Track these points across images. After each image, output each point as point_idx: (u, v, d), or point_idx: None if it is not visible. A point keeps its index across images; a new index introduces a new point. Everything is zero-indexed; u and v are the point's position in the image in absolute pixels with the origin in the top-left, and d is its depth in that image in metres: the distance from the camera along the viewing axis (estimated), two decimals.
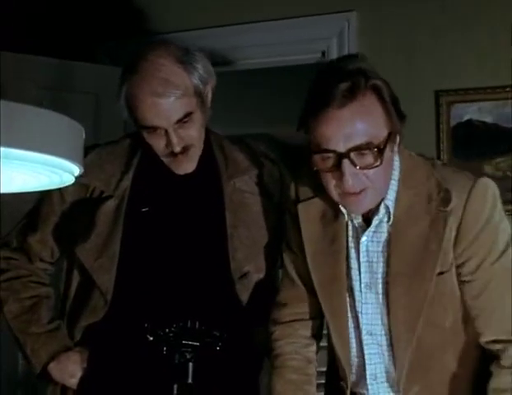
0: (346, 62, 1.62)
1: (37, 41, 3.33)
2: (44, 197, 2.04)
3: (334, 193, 1.63)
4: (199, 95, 1.89)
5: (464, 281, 1.67)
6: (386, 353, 1.73)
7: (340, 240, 1.73)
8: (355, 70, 1.57)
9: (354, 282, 1.73)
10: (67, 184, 1.10)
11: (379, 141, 1.55)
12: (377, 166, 1.55)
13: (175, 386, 1.64)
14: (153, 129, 1.87)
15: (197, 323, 1.69)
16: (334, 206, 1.73)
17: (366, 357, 1.75)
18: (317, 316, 1.84)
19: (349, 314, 1.75)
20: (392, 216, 1.66)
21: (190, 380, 1.64)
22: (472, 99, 2.91)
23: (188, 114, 1.86)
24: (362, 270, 1.71)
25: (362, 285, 1.72)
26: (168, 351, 1.65)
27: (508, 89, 2.87)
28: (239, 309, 1.95)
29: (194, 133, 1.91)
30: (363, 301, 1.72)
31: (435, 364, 1.73)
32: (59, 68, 3.24)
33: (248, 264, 1.96)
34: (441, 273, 1.65)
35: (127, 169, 2.01)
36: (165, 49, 1.89)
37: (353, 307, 1.74)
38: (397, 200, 1.67)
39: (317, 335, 1.89)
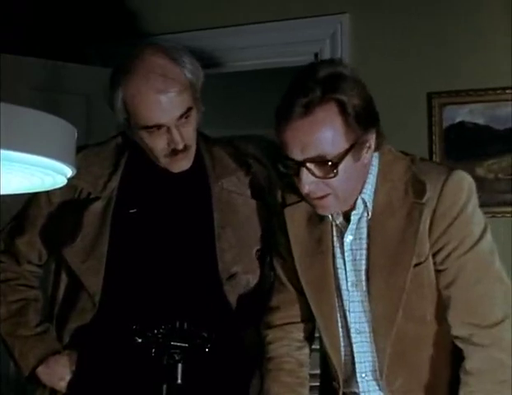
0: (320, 67, 1.65)
1: (28, 42, 3.32)
2: (31, 199, 2.02)
3: (304, 195, 1.70)
4: (194, 89, 1.90)
5: (438, 270, 1.70)
6: (374, 350, 1.75)
7: (326, 241, 1.77)
8: (320, 79, 1.60)
9: (341, 281, 1.76)
10: (59, 186, 1.09)
11: (332, 156, 1.59)
12: (332, 178, 1.61)
13: (164, 387, 1.64)
14: (156, 128, 1.86)
15: (185, 324, 1.69)
16: None
17: (356, 355, 1.77)
18: (309, 319, 1.86)
19: (338, 314, 1.77)
20: (370, 211, 1.71)
21: (179, 381, 1.63)
22: (464, 101, 2.92)
23: (189, 109, 1.87)
24: (348, 269, 1.75)
25: (349, 284, 1.75)
26: (157, 353, 1.65)
27: (500, 91, 2.88)
28: (227, 310, 1.95)
29: (192, 131, 1.92)
30: (350, 300, 1.75)
31: (418, 356, 1.75)
32: (51, 69, 3.23)
33: (236, 265, 1.96)
34: (418, 264, 1.68)
35: (114, 170, 2.00)
36: (156, 48, 1.91)
37: (341, 306, 1.77)
38: (375, 194, 1.71)
39: (309, 337, 1.90)
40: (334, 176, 1.60)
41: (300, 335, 1.88)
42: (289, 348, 1.85)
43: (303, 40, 3.14)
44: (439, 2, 2.99)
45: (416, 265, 1.68)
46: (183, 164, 1.94)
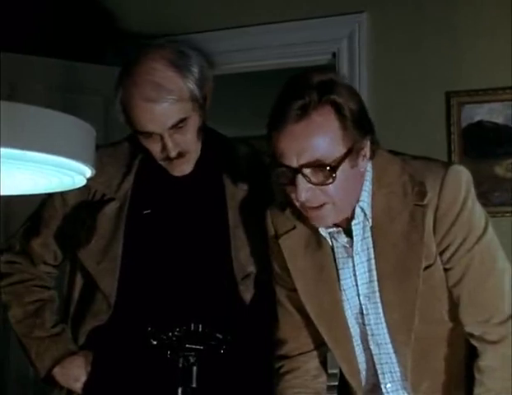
0: (312, 75, 1.60)
1: (47, 43, 3.33)
2: (46, 200, 2.02)
3: (298, 206, 1.64)
4: (195, 99, 1.86)
5: (445, 268, 1.67)
6: (395, 359, 1.73)
7: (328, 268, 1.72)
8: (314, 84, 1.56)
9: (351, 300, 1.73)
10: (78, 186, 1.09)
11: (330, 161, 1.55)
12: (330, 183, 1.56)
13: (180, 390, 1.63)
14: (148, 134, 1.86)
15: (200, 327, 1.67)
16: (316, 233, 1.72)
17: (378, 368, 1.74)
18: (323, 343, 1.82)
19: (355, 338, 1.74)
20: (370, 219, 1.67)
21: (194, 384, 1.62)
22: (482, 100, 2.91)
23: (182, 120, 1.84)
24: (360, 282, 1.70)
25: (361, 298, 1.71)
26: (172, 355, 1.64)
27: None
28: (242, 311, 1.94)
29: (190, 138, 1.89)
30: (365, 313, 1.72)
31: (440, 356, 1.73)
32: (69, 70, 3.25)
33: (251, 264, 1.95)
34: (428, 267, 1.65)
35: (128, 171, 2.00)
36: (158, 52, 1.87)
37: (360, 324, 1.74)
38: (373, 200, 1.67)
39: (325, 361, 1.88)
40: (332, 181, 1.55)
41: (315, 362, 1.85)
42: (304, 379, 1.83)
43: (321, 40, 3.14)
44: (457, 0, 2.98)
45: (426, 268, 1.65)
46: (182, 168, 1.93)
